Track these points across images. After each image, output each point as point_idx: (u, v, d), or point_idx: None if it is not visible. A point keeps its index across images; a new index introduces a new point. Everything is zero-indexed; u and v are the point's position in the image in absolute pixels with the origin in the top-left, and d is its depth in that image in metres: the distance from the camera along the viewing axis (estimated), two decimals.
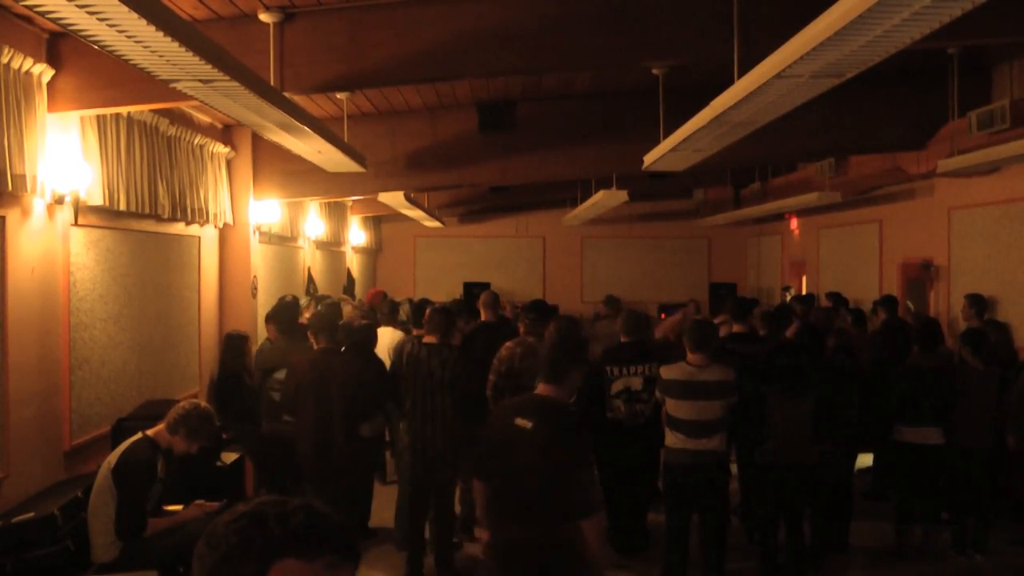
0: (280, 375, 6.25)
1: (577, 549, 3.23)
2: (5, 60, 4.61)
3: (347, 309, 7.85)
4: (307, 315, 8.46)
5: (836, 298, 10.02)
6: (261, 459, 6.37)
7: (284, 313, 7.17)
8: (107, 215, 6.00)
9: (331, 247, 12.71)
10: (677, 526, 5.27)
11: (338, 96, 7.14)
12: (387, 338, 6.98)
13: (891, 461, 6.46)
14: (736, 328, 6.57)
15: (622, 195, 10.22)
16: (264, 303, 8.78)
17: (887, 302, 8.37)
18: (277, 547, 1.28)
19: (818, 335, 5.99)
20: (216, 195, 7.75)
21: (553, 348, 3.64)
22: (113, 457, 4.50)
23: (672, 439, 5.17)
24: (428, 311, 5.66)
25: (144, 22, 3.03)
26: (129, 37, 3.21)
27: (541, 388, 3.44)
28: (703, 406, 5.04)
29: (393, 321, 7.23)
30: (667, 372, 5.25)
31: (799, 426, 5.29)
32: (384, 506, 6.51)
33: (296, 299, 8.13)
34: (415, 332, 6.28)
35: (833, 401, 5.48)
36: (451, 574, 5.52)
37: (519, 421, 3.38)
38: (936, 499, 6.07)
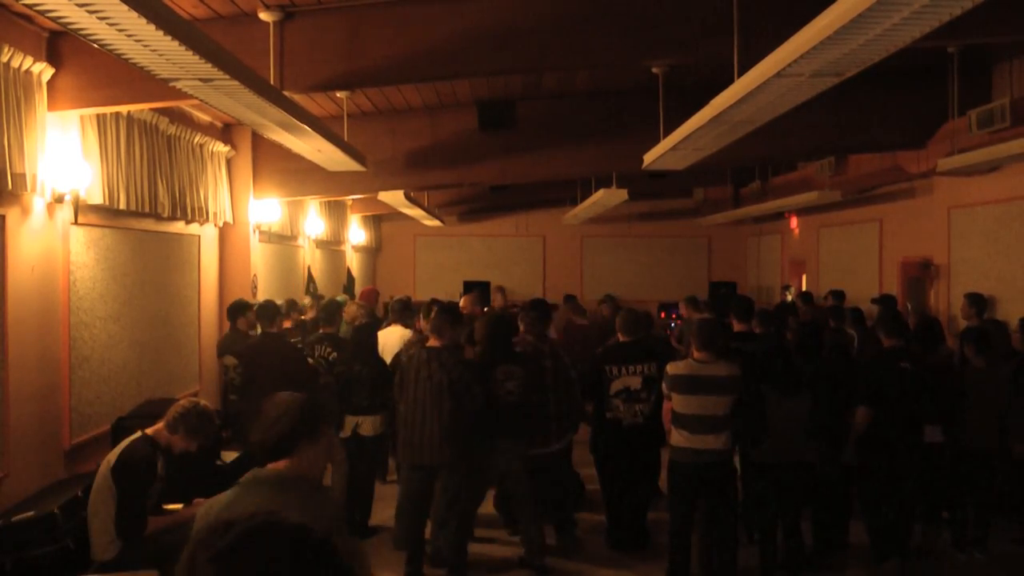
0: (227, 360, 6.96)
1: None
2: (5, 59, 4.61)
3: (352, 309, 7.84)
4: (310, 314, 8.46)
5: (806, 297, 10.18)
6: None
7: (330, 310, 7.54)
8: (107, 214, 6.00)
9: (331, 246, 12.71)
10: (681, 526, 5.26)
11: (338, 95, 7.14)
12: (395, 336, 6.98)
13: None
14: (738, 327, 6.56)
15: (622, 194, 10.22)
16: None
17: (881, 300, 8.37)
18: None
19: (817, 333, 5.99)
20: (216, 194, 7.75)
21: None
22: (112, 456, 4.49)
23: (677, 437, 5.16)
24: (433, 312, 5.60)
25: (144, 21, 3.04)
26: (129, 36, 3.21)
27: (888, 343, 5.62)
28: (709, 401, 5.04)
29: (404, 320, 7.23)
30: (673, 368, 5.24)
31: (796, 425, 5.29)
32: (384, 506, 6.51)
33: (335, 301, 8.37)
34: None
35: (828, 401, 5.48)
36: (453, 571, 5.49)
37: (903, 364, 5.42)
38: (937, 498, 6.07)
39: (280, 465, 2.48)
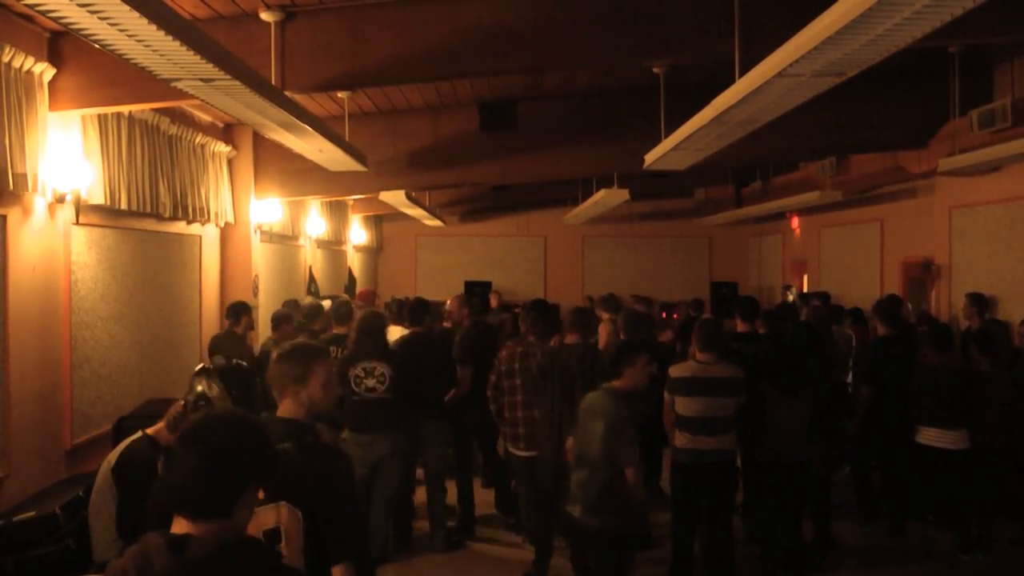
0: (217, 360, 6.79)
1: None
2: (6, 59, 4.61)
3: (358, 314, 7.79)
4: None
5: (805, 298, 10.22)
6: None
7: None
8: (108, 214, 6.01)
9: (332, 246, 12.72)
10: (684, 527, 5.25)
11: (339, 95, 7.14)
12: (394, 336, 6.99)
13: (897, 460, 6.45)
14: (742, 327, 6.55)
15: (623, 194, 10.21)
16: (265, 302, 8.79)
17: (887, 300, 8.35)
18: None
19: (816, 334, 5.99)
20: (217, 194, 7.75)
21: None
22: (113, 456, 4.48)
23: (680, 439, 5.15)
24: (572, 311, 5.83)
25: (145, 21, 3.04)
26: (130, 36, 3.22)
27: (882, 331, 6.27)
28: (711, 402, 5.03)
29: (401, 320, 7.25)
30: (675, 371, 5.24)
31: (798, 425, 5.29)
32: None
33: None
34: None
35: (828, 401, 5.48)
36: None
37: (894, 350, 6.01)
38: (940, 498, 6.06)
39: (613, 382, 4.35)
